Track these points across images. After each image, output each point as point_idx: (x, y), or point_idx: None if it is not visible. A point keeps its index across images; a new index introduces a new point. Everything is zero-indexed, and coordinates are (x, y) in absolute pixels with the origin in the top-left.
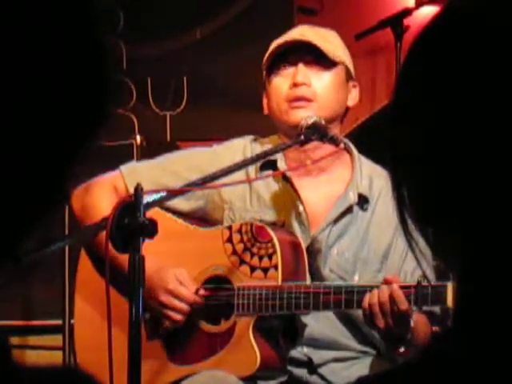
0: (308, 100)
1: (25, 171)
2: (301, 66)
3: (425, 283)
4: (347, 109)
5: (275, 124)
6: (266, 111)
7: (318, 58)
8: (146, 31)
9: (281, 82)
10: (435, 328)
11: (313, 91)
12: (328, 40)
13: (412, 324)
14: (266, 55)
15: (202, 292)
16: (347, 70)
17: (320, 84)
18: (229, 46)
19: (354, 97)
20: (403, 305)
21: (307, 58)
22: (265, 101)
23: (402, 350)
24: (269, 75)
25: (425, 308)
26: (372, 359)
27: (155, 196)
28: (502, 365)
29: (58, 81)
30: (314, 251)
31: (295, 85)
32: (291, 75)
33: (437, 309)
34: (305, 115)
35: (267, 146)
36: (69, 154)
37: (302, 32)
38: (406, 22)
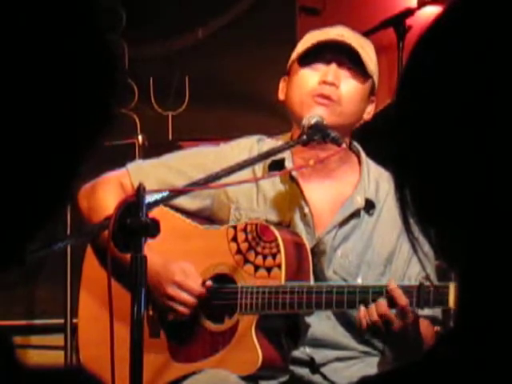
0: (333, 101)
1: (32, 172)
2: (334, 65)
3: (427, 284)
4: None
5: (288, 112)
6: (281, 96)
7: (353, 62)
8: (147, 31)
9: (310, 75)
10: (436, 328)
11: (339, 94)
12: (366, 51)
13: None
14: (304, 47)
15: (208, 283)
16: (373, 84)
17: (347, 89)
18: (231, 45)
19: (369, 111)
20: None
21: (341, 59)
22: (283, 85)
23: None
24: (299, 64)
25: (426, 310)
26: (377, 359)
27: (158, 195)
28: (504, 366)
29: (64, 81)
30: (318, 252)
31: (324, 82)
32: (322, 71)
33: (438, 313)
34: (325, 114)
35: (275, 145)
36: (75, 154)
37: (341, 33)
38: (408, 22)
